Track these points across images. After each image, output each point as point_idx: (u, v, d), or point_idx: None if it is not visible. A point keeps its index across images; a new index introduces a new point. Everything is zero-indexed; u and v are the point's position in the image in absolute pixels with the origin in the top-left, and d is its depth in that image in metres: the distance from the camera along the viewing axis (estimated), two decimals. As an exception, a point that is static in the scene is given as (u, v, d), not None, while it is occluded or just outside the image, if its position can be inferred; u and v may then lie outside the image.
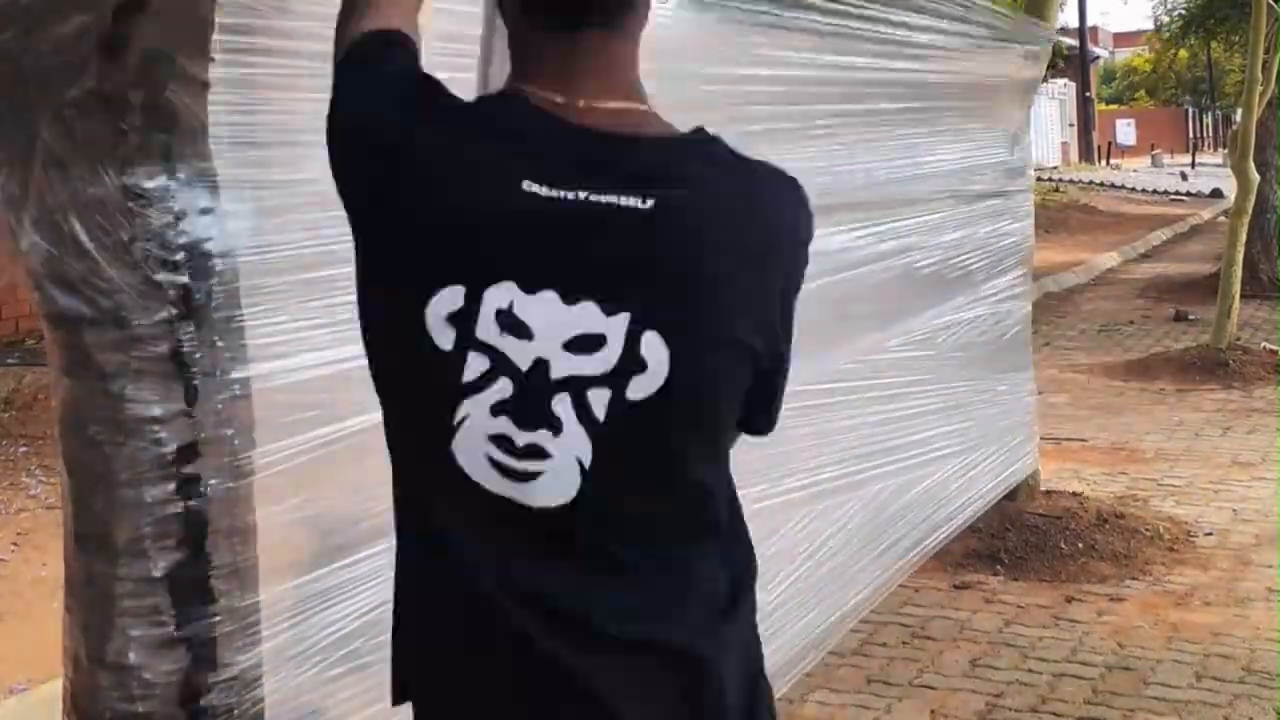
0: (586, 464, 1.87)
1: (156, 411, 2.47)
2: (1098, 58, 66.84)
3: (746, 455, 4.58)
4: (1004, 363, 7.12)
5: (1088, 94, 52.46)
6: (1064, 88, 49.94)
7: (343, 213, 1.98)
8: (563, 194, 1.85)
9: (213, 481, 2.53)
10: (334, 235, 2.74)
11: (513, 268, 1.85)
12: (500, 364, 1.85)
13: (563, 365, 1.85)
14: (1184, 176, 41.06)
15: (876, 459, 5.53)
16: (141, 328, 2.45)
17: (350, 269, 1.97)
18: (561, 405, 1.86)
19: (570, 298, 1.85)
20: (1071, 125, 51.51)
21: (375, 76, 2.03)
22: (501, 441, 1.87)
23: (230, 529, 2.58)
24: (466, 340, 1.85)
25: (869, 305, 5.56)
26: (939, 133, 6.31)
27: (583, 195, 1.85)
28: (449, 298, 1.85)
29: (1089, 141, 51.72)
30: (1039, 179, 27.49)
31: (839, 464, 5.24)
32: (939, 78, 6.19)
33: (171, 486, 2.49)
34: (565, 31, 1.94)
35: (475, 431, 1.87)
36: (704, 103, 4.19)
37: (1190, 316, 15.55)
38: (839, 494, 5.23)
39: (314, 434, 2.88)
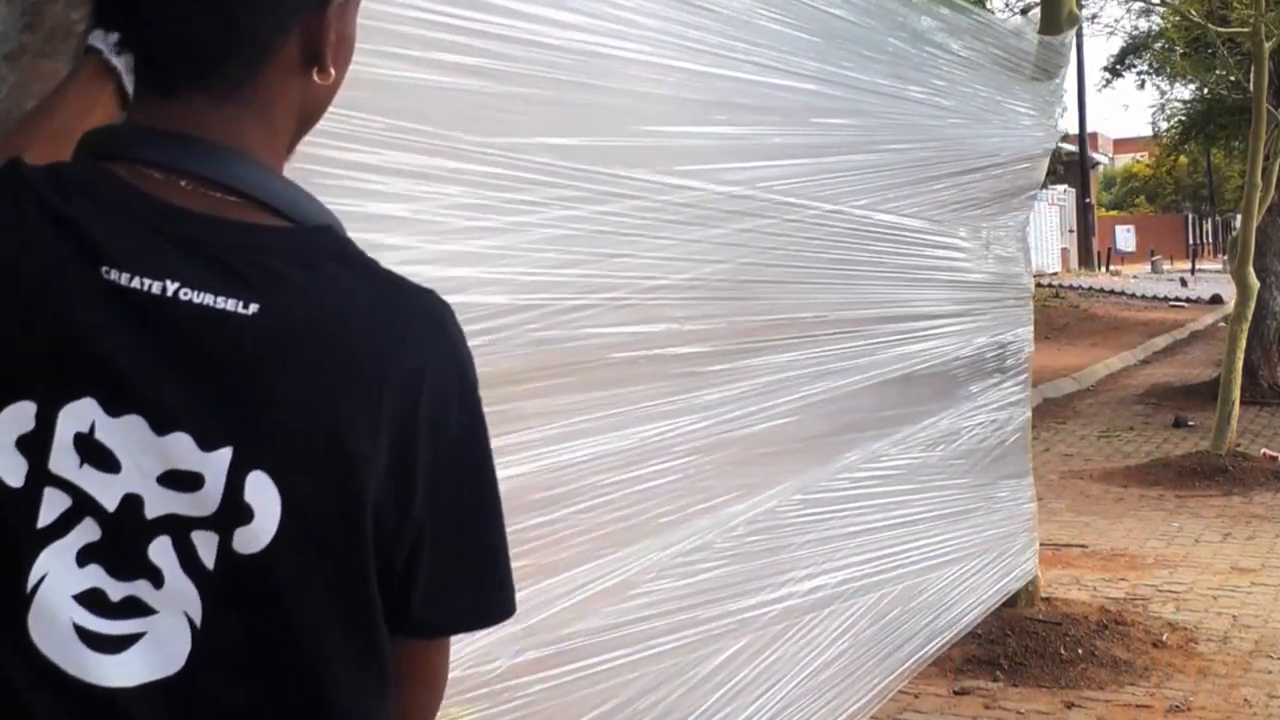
0: (197, 621, 1.48)
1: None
2: (1098, 164, 67.19)
3: (748, 564, 4.60)
4: (1004, 469, 7.15)
5: (1087, 200, 52.71)
6: (1064, 194, 50.12)
7: None
8: (148, 284, 1.47)
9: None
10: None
11: (91, 381, 1.47)
12: (83, 503, 1.47)
13: (158, 503, 1.48)
14: (1184, 282, 41.21)
15: (878, 566, 5.56)
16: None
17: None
18: (161, 550, 1.47)
19: (160, 426, 1.47)
20: (1071, 231, 51.63)
21: None
22: (92, 600, 1.47)
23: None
24: (40, 474, 1.47)
25: (869, 414, 5.60)
26: (940, 240, 6.37)
27: (172, 288, 1.47)
28: (15, 418, 1.47)
29: (1089, 247, 51.88)
30: (1039, 285, 27.61)
31: (840, 571, 5.27)
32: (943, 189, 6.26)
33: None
34: (161, 95, 1.57)
35: (56, 592, 1.46)
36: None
37: (1190, 422, 15.61)
38: (840, 600, 5.25)
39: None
